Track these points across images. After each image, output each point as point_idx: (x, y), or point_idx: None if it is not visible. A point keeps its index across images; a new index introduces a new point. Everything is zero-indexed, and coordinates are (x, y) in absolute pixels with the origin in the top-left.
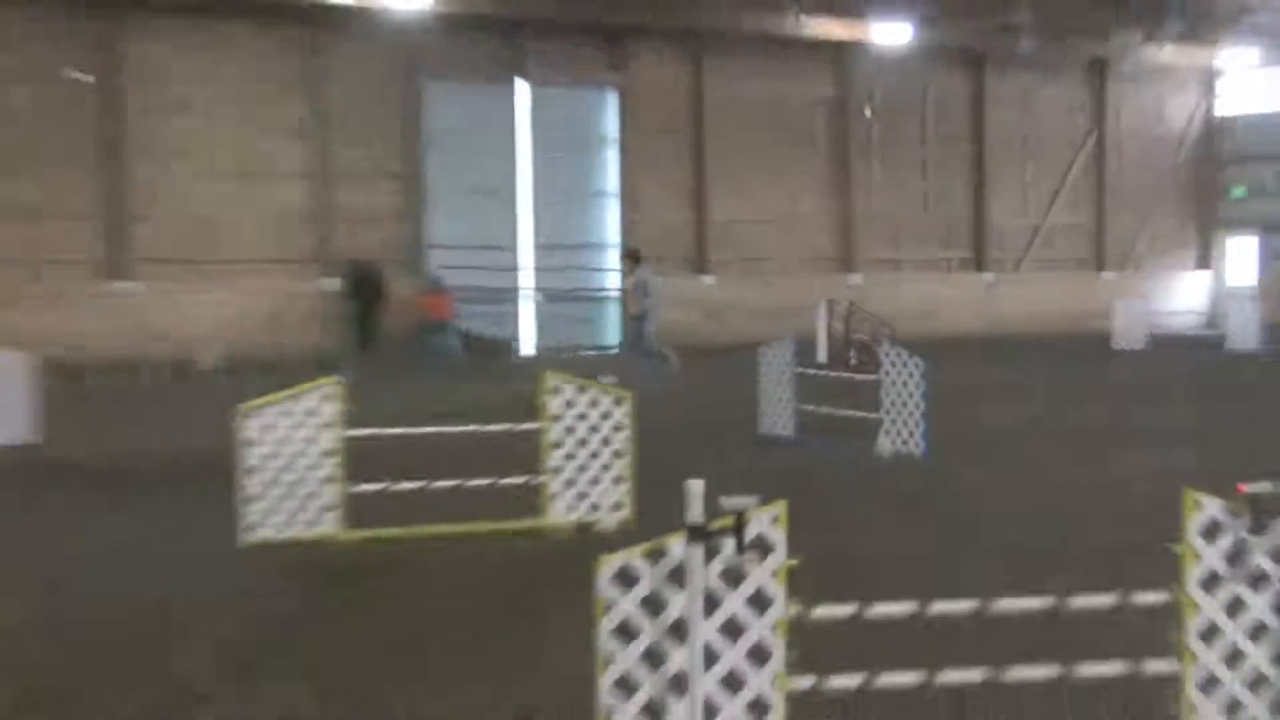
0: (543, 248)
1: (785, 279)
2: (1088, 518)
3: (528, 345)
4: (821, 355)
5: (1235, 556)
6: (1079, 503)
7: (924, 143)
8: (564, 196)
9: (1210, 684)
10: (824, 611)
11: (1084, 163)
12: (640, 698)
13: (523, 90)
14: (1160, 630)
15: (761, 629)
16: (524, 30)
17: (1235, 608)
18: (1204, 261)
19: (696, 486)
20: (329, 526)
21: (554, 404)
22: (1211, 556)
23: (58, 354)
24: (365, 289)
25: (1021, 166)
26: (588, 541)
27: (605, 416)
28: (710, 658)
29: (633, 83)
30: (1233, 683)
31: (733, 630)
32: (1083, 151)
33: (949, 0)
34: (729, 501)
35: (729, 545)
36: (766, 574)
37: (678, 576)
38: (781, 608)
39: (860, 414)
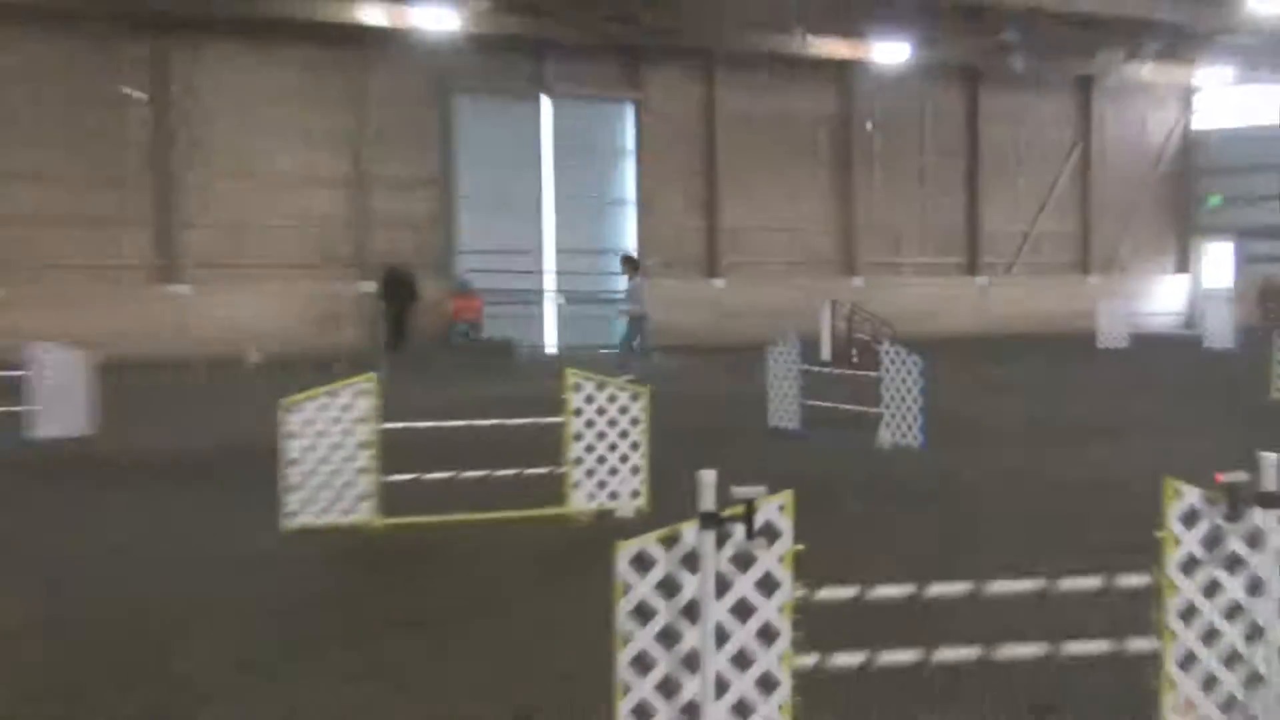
0: (564, 252)
1: (791, 282)
2: (1070, 494)
3: (550, 344)
4: (826, 353)
5: (1212, 542)
6: (1064, 488)
7: (922, 154)
8: (584, 204)
9: (1189, 660)
10: (828, 594)
11: (1071, 173)
12: (656, 674)
13: (546, 105)
14: (1142, 611)
15: (769, 610)
16: (548, 49)
17: (1212, 589)
18: (1182, 266)
19: (709, 476)
20: (364, 514)
21: (575, 399)
22: (1190, 541)
23: (113, 352)
24: (399, 291)
25: (1013, 177)
26: (607, 528)
27: (623, 411)
28: (721, 637)
29: (649, 98)
30: (1210, 659)
31: (742, 611)
32: (1069, 163)
33: (946, 21)
34: (739, 490)
35: (739, 531)
36: (774, 558)
37: (691, 561)
38: (788, 590)
39: (862, 408)
